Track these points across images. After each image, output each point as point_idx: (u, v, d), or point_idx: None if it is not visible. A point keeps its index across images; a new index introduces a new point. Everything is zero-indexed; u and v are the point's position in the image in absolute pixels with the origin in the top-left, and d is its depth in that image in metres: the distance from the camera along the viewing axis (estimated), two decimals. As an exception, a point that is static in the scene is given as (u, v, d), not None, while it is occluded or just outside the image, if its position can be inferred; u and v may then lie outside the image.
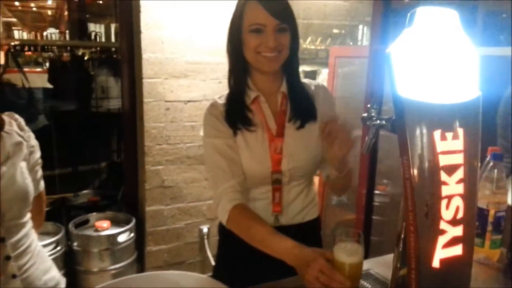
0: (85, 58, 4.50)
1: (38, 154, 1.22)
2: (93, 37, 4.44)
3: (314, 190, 1.31)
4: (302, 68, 4.57)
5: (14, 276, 1.07)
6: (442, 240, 0.65)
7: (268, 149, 1.17)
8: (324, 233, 3.13)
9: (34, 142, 1.20)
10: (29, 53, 6.53)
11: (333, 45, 3.22)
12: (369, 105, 0.84)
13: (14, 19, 10.07)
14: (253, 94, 1.19)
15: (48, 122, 3.66)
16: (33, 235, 1.18)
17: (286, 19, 1.11)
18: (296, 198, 1.23)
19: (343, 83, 2.70)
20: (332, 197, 3.05)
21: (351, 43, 3.40)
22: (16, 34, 7.40)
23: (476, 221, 0.95)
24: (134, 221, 2.41)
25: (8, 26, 9.54)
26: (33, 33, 7.20)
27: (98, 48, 4.18)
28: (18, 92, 3.46)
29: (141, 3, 2.29)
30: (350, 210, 2.76)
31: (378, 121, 0.81)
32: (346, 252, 0.90)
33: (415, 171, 0.64)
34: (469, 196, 0.67)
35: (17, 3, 9.23)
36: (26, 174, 1.13)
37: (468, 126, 0.67)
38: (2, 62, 3.85)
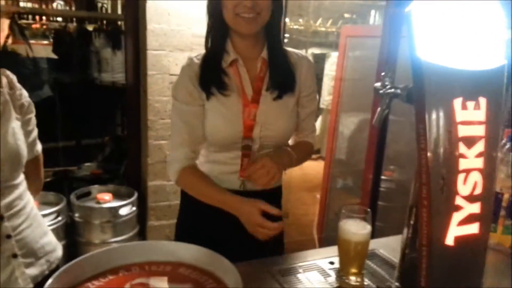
0: (91, 29, 4.44)
1: (31, 114, 1.16)
2: (99, 8, 4.36)
3: None
4: (311, 51, 4.47)
5: (8, 237, 1.05)
6: (457, 216, 0.61)
7: (241, 114, 1.16)
8: (328, 216, 3.10)
9: (26, 100, 1.14)
10: (36, 25, 6.45)
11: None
12: (382, 73, 0.79)
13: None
14: (231, 57, 1.16)
15: (52, 93, 3.63)
16: (28, 197, 1.15)
17: None
18: None
19: (354, 64, 2.63)
20: (337, 180, 3.02)
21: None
22: (22, 4, 7.31)
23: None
24: (136, 195, 2.39)
25: (15, -2, 9.39)
26: (39, 3, 7.11)
27: (104, 21, 4.10)
28: (23, 61, 3.41)
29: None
30: (355, 194, 2.73)
31: (392, 90, 0.75)
32: (352, 229, 0.86)
33: (432, 142, 0.59)
34: (488, 172, 0.62)
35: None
36: (19, 135, 1.09)
37: (491, 96, 0.62)
38: (6, 31, 3.79)
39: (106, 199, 2.32)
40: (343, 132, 2.91)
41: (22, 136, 1.10)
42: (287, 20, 2.69)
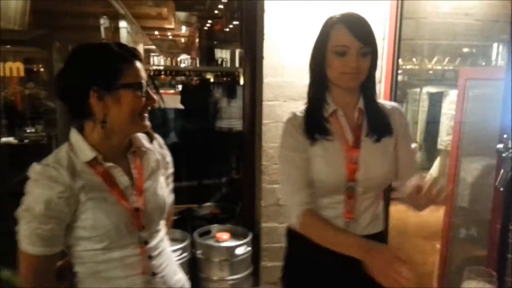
0: (212, 81, 4.98)
1: (171, 169, 1.37)
2: (219, 62, 4.86)
3: (382, 203, 1.37)
4: (427, 90, 4.29)
5: (154, 274, 1.22)
6: None
7: (344, 159, 1.24)
8: (450, 269, 2.86)
9: (169, 158, 1.36)
10: (164, 77, 7.42)
11: (463, 66, 2.97)
12: (505, 136, 0.78)
13: (153, 46, 11.56)
14: (332, 108, 1.28)
15: (177, 139, 4.10)
16: (166, 240, 1.34)
17: (369, 43, 1.20)
18: (367, 209, 1.30)
19: (474, 106, 2.48)
20: (460, 230, 2.79)
21: (483, 63, 3.09)
22: (155, 59, 8.49)
23: None
24: (251, 235, 2.54)
25: (147, 53, 10.95)
26: (169, 58, 8.19)
27: (224, 73, 4.57)
28: (155, 112, 3.96)
29: (265, 30, 2.45)
30: (480, 245, 2.49)
31: (517, 154, 0.74)
32: None
33: None
34: None
35: (156, 32, 10.61)
36: (165, 188, 1.30)
37: None
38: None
39: (224, 238, 2.51)
40: (465, 178, 2.71)
41: (166, 188, 1.31)
42: (400, 61, 2.69)
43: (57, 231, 1.08)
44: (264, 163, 2.57)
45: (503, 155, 0.76)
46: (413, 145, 1.36)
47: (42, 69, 5.47)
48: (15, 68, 2.88)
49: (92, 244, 1.12)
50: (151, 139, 1.28)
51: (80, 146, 1.13)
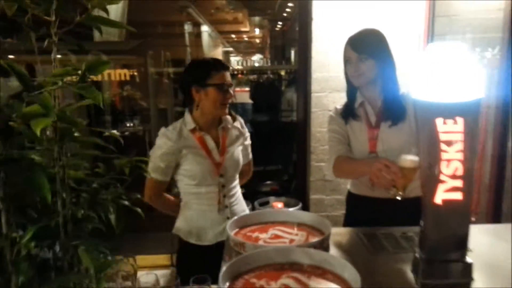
0: (281, 77, 5.54)
1: (248, 141, 2.01)
2: (286, 61, 5.41)
3: None
4: None
5: (226, 207, 1.85)
6: (442, 187, 1.02)
7: (367, 135, 1.70)
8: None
9: (247, 135, 2.00)
10: (241, 76, 8.16)
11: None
12: None
13: (231, 48, 12.49)
14: (359, 100, 1.75)
15: (252, 129, 4.73)
16: (238, 188, 1.95)
17: (365, 51, 1.63)
18: None
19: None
20: None
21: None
22: (233, 60, 9.25)
23: None
24: (300, 205, 3.05)
25: (227, 54, 11.85)
26: (245, 59, 8.91)
27: (289, 70, 5.10)
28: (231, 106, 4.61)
29: (313, 32, 2.94)
30: None
31: None
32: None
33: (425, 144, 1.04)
34: (467, 162, 1.01)
35: (233, 36, 11.49)
36: (240, 154, 1.92)
37: (468, 116, 1.02)
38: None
39: (279, 206, 3.05)
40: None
41: (241, 154, 1.93)
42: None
43: (167, 168, 1.77)
44: (313, 145, 3.06)
45: None
46: None
47: (136, 74, 6.39)
48: (123, 73, 3.73)
49: (189, 180, 1.79)
50: (233, 120, 1.94)
51: (187, 120, 1.80)
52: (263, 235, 1.23)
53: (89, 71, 0.82)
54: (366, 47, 1.66)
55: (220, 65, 1.77)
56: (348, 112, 1.77)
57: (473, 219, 3.14)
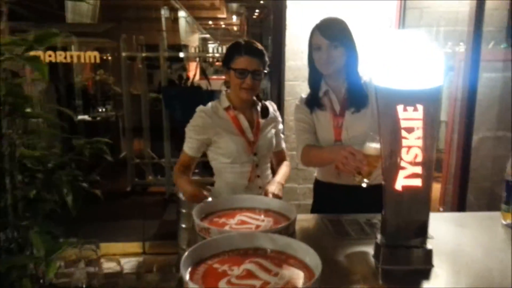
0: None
1: (280, 126, 2.01)
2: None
3: None
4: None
5: (260, 188, 1.84)
6: (403, 173, 1.04)
7: (332, 123, 1.71)
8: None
9: (279, 119, 2.01)
10: (219, 63, 8.06)
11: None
12: None
13: (208, 35, 12.33)
14: (323, 89, 1.75)
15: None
16: (270, 172, 1.95)
17: (337, 39, 1.63)
18: None
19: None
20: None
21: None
22: (211, 47, 9.13)
23: (504, 192, 1.26)
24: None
25: (204, 41, 11.68)
26: (223, 45, 8.80)
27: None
28: (203, 93, 4.57)
29: (287, 21, 2.92)
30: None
31: None
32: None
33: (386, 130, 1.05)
34: (427, 149, 1.03)
35: (210, 22, 11.34)
36: (272, 137, 1.92)
37: (428, 103, 1.03)
38: (194, 71, 5.10)
39: (251, 194, 3.06)
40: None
41: (273, 137, 1.93)
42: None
43: (200, 144, 1.82)
44: (286, 133, 3.06)
45: None
46: None
47: (110, 58, 6.22)
48: (93, 56, 3.61)
49: (224, 158, 1.82)
50: (262, 104, 1.94)
51: (223, 99, 1.86)
52: (229, 221, 1.24)
53: (37, 42, 0.78)
54: (338, 35, 1.67)
55: (246, 50, 1.74)
56: (312, 102, 1.78)
57: (440, 209, 3.25)
